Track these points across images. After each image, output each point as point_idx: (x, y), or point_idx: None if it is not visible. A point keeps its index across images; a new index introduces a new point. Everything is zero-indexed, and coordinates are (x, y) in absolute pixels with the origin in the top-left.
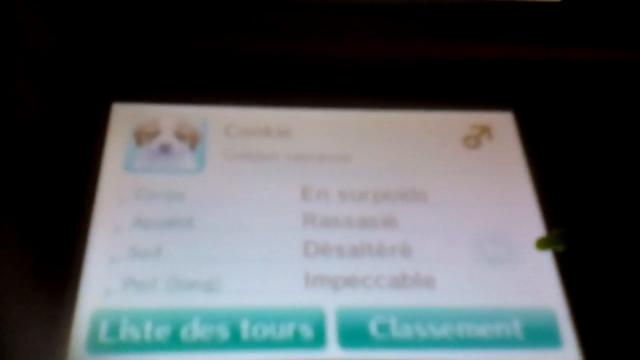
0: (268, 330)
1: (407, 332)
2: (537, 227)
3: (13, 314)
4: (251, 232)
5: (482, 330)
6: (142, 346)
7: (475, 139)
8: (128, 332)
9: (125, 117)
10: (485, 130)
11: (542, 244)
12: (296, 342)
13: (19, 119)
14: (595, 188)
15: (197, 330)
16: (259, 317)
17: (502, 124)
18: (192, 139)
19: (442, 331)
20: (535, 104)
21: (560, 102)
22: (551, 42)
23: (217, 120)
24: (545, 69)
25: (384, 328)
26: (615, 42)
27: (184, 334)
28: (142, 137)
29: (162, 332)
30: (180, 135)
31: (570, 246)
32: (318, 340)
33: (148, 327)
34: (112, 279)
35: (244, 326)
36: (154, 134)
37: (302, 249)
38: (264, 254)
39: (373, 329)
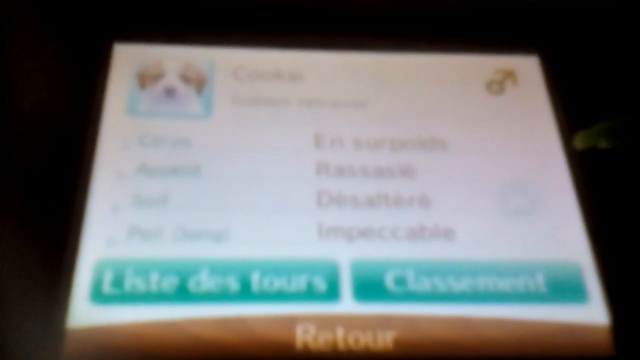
0: (280, 282)
1: (425, 285)
2: (562, 177)
3: (13, 266)
4: (261, 180)
5: (504, 284)
6: (148, 297)
7: (499, 84)
8: (133, 282)
9: (127, 59)
10: (509, 75)
11: (583, 140)
12: (309, 294)
13: (17, 62)
14: (626, 135)
15: (205, 281)
16: (270, 268)
17: (527, 69)
18: (198, 82)
19: (462, 285)
20: (562, 47)
21: (588, 44)
22: None
23: (224, 62)
24: (572, 9)
25: (400, 281)
26: None
27: (192, 285)
28: (145, 79)
29: (169, 283)
30: (185, 78)
31: (617, 141)
32: (332, 292)
33: (154, 277)
34: (116, 227)
35: (255, 278)
36: (158, 76)
37: (315, 199)
38: (275, 203)
39: (389, 281)
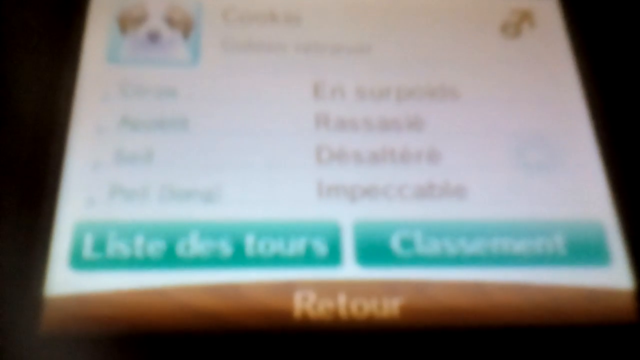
0: (276, 246)
1: (434, 247)
2: (584, 129)
3: None
4: (255, 135)
5: (519, 246)
6: (133, 263)
7: (514, 27)
8: (116, 246)
9: (107, 1)
10: (526, 16)
11: None
12: (308, 259)
13: None
14: None
15: (195, 245)
16: (265, 230)
17: (546, 10)
18: (184, 26)
19: (474, 247)
20: None
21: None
22: None
23: (213, 3)
24: None
25: (407, 243)
26: None
27: (180, 249)
28: (126, 23)
29: (156, 247)
30: (171, 21)
31: None
32: (333, 256)
33: (139, 241)
34: (97, 186)
35: (249, 241)
36: (140, 19)
37: (315, 155)
38: (270, 160)
39: (395, 244)
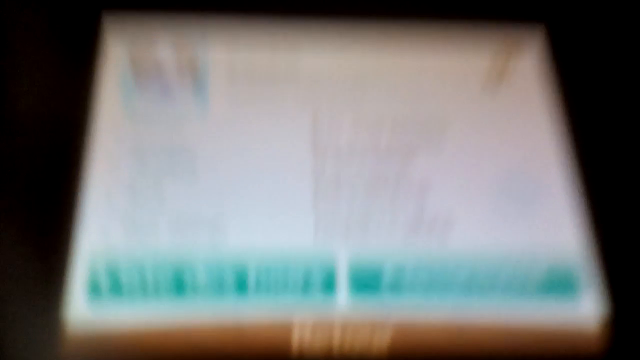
0: (276, 276)
1: (422, 277)
2: (562, 167)
3: (9, 259)
4: (257, 169)
5: (501, 276)
6: (144, 291)
7: (500, 71)
8: (129, 276)
9: (119, 44)
10: (510, 62)
11: None
12: (306, 289)
13: (6, 45)
14: (628, 122)
15: (201, 276)
16: (266, 262)
17: (523, 64)
18: (192, 67)
19: (460, 278)
20: (565, 23)
21: (592, 20)
22: None
23: (220, 62)
24: None
25: (398, 274)
26: None
27: (187, 279)
28: (138, 68)
29: (165, 278)
30: (179, 62)
31: None
32: (328, 286)
33: (149, 271)
34: (112, 222)
35: (251, 272)
36: (150, 65)
37: (313, 186)
38: (271, 193)
39: (387, 275)
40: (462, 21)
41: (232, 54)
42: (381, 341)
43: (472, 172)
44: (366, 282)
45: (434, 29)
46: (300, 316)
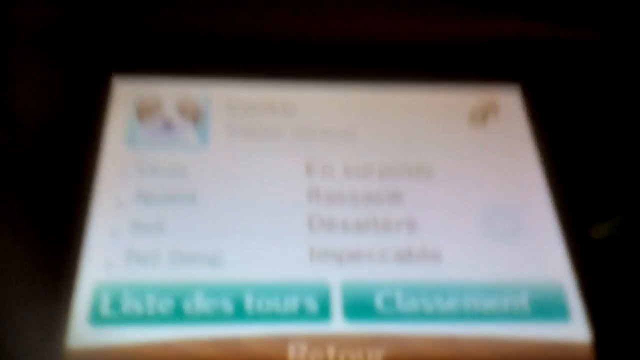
0: (272, 304)
1: (412, 305)
2: (543, 201)
3: (14, 289)
4: (255, 207)
5: (489, 304)
6: (145, 319)
7: (481, 115)
8: (130, 305)
9: (126, 93)
10: (491, 107)
11: (602, 231)
12: (301, 315)
13: (19, 96)
14: (603, 163)
15: (200, 304)
16: (263, 290)
17: (509, 100)
18: (194, 115)
19: (449, 305)
20: (542, 80)
21: (568, 78)
22: (558, 19)
23: (220, 95)
24: (553, 46)
25: (389, 301)
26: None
27: (187, 307)
28: (144, 112)
29: (165, 305)
30: (182, 111)
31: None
32: (323, 313)
33: (150, 300)
34: (114, 252)
35: (248, 299)
36: (156, 109)
37: (307, 224)
38: (268, 228)
39: (379, 302)
40: (440, 81)
41: (232, 109)
42: (376, 354)
43: (458, 208)
44: (359, 308)
45: (415, 93)
46: (296, 335)
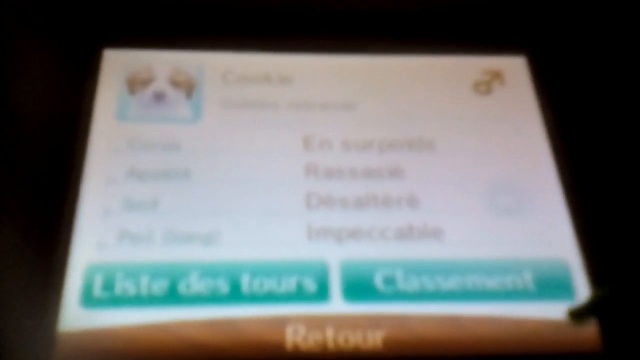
0: (269, 284)
1: (413, 284)
2: (550, 175)
3: (4, 272)
4: (251, 183)
5: (492, 282)
6: (139, 300)
7: (486, 85)
8: (124, 286)
9: (117, 64)
10: (496, 75)
11: (575, 315)
12: (299, 295)
13: (8, 67)
14: (612, 134)
15: (195, 284)
16: (260, 270)
17: (514, 69)
18: (187, 87)
19: (451, 283)
20: (549, 47)
21: (574, 44)
22: None
23: (213, 66)
24: (559, 10)
25: (389, 280)
26: None
27: (182, 287)
28: (134, 84)
29: (159, 286)
30: (175, 83)
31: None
32: (322, 293)
33: (144, 280)
34: (106, 232)
35: (245, 280)
36: (147, 81)
37: (305, 201)
38: (264, 206)
39: (378, 281)
40: (443, 50)
41: (227, 81)
42: (376, 334)
43: (461, 184)
44: (359, 288)
45: (417, 62)
46: (294, 315)
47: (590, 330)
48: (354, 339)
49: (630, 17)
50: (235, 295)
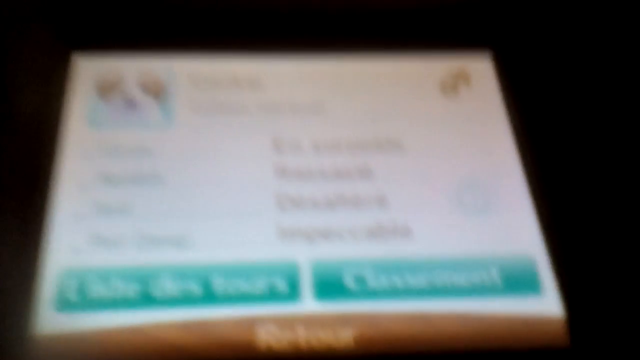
0: (241, 285)
1: (383, 282)
2: (515, 174)
3: None
4: (221, 186)
5: (459, 279)
6: (112, 303)
7: (452, 86)
8: (97, 290)
9: (87, 70)
10: (462, 76)
11: None
12: (270, 295)
13: None
14: (578, 131)
15: (168, 287)
16: (231, 271)
17: (480, 70)
18: (157, 92)
19: (419, 281)
20: (514, 44)
21: (540, 42)
22: None
23: (183, 71)
24: (522, 5)
25: (359, 279)
26: None
27: (154, 290)
28: (105, 90)
29: (132, 289)
30: (145, 87)
31: None
32: (293, 293)
33: (117, 284)
34: (79, 236)
35: (217, 281)
36: (117, 87)
37: (275, 202)
38: (235, 208)
39: (349, 280)
40: (409, 49)
41: (196, 84)
42: (347, 332)
43: (429, 183)
44: (329, 287)
45: (384, 64)
46: (265, 316)
47: (557, 326)
48: (325, 338)
49: (594, 13)
50: (208, 296)
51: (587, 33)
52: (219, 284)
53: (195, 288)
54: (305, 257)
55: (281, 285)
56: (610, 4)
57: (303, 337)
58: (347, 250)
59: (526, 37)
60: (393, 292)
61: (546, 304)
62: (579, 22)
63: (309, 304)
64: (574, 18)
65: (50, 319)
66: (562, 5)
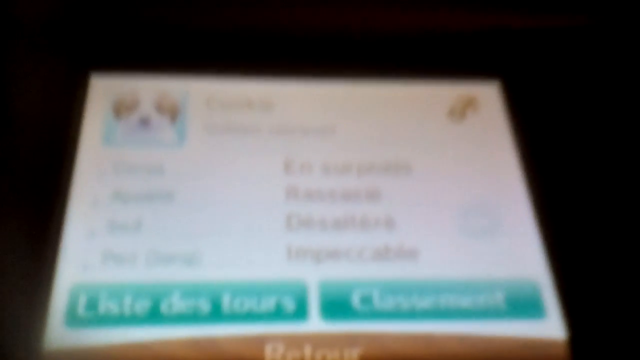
0: (250, 303)
1: (389, 303)
2: (521, 199)
3: None
4: (232, 205)
5: (465, 302)
6: (122, 320)
7: (460, 111)
8: (107, 306)
9: (103, 89)
10: (471, 102)
11: None
12: (278, 314)
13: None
14: (583, 159)
15: (177, 304)
16: (240, 290)
17: (487, 96)
18: (172, 112)
19: (425, 303)
20: (523, 74)
21: (547, 71)
22: (538, 9)
23: (198, 92)
24: (533, 37)
25: (366, 300)
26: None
27: (164, 307)
28: (120, 109)
29: (142, 306)
30: (160, 108)
31: None
32: (300, 312)
33: (127, 300)
34: (91, 253)
35: (225, 299)
36: (133, 106)
37: (285, 222)
38: (245, 227)
39: (355, 300)
40: (419, 76)
41: (210, 106)
42: (352, 352)
43: (436, 206)
44: (336, 307)
45: (394, 89)
46: (273, 334)
47: (559, 349)
48: (331, 357)
49: (601, 44)
50: (216, 314)
51: (592, 64)
52: (228, 302)
53: (205, 305)
54: (313, 277)
55: (289, 304)
56: (618, 39)
57: (310, 356)
58: (354, 271)
59: (535, 67)
60: (399, 314)
61: (549, 327)
62: (586, 54)
63: (316, 323)
64: (581, 51)
65: (61, 334)
66: (571, 37)
